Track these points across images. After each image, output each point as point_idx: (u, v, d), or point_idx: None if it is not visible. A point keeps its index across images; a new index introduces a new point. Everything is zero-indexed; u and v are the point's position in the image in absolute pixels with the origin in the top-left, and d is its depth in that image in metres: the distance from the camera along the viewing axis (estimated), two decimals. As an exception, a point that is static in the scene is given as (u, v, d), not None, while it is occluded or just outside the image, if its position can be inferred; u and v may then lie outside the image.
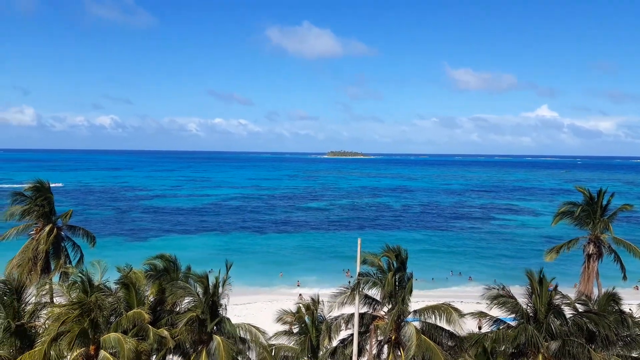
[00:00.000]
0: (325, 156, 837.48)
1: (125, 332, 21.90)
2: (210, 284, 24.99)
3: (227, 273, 25.29)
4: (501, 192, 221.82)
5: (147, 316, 22.18)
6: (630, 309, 36.65)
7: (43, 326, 23.23)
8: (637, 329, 25.15)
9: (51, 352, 21.13)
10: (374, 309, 27.34)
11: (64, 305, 22.57)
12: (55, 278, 34.07)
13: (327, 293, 29.98)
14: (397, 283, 25.59)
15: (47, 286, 26.00)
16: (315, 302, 29.67)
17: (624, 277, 37.02)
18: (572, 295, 26.38)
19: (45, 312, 23.77)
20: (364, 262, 26.84)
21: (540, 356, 22.45)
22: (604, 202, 38.24)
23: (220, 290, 25.05)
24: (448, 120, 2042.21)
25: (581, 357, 22.10)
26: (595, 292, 35.88)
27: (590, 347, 22.48)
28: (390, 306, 26.05)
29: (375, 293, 26.85)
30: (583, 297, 26.30)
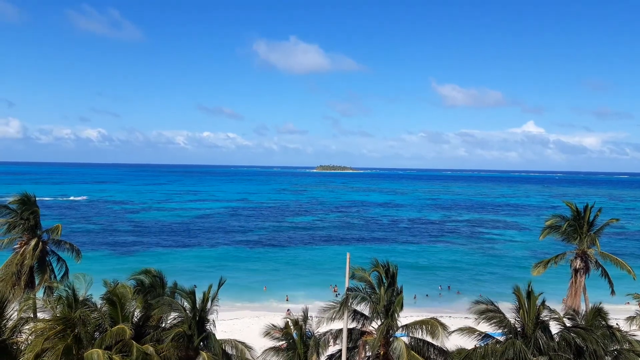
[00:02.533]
0: (314, 170, 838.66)
1: (109, 348, 21.52)
2: (198, 299, 24.74)
3: (218, 289, 25.08)
4: (488, 207, 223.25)
5: (129, 332, 21.80)
6: (617, 324, 36.84)
7: (25, 342, 22.76)
8: (625, 344, 25.24)
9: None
10: (363, 325, 27.18)
11: (48, 321, 22.16)
12: (40, 293, 33.51)
13: (315, 308, 29.80)
14: (387, 298, 25.51)
15: (31, 301, 25.52)
16: (304, 317, 29.44)
17: (612, 292, 37.22)
18: (560, 310, 26.47)
19: (28, 327, 23.31)
20: (352, 276, 26.74)
21: (528, 371, 22.40)
22: (591, 217, 38.57)
23: (208, 305, 24.80)
24: (435, 135, 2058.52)
25: (569, 372, 22.11)
26: (583, 306, 36.01)
27: (579, 362, 22.49)
28: (379, 321, 25.93)
29: (364, 308, 26.72)
30: (571, 312, 26.39)
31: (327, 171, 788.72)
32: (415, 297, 71.48)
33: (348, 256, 27.67)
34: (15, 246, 35.22)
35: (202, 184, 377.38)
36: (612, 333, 24.71)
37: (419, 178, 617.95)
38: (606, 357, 23.74)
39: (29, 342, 22.25)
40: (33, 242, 34.51)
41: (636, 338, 26.19)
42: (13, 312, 24.20)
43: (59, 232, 35.83)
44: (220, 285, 25.18)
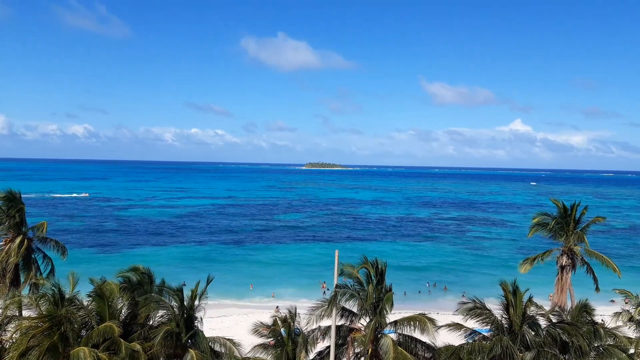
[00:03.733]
0: (303, 167, 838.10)
1: (96, 346, 21.36)
2: (186, 297, 24.61)
3: (206, 287, 24.96)
4: (476, 205, 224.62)
5: (117, 329, 21.66)
6: (602, 320, 37.26)
7: (10, 340, 22.52)
8: (609, 340, 25.56)
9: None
10: (351, 321, 27.22)
11: (33, 319, 21.94)
12: (25, 290, 33.16)
13: (303, 305, 29.78)
14: (375, 295, 25.57)
15: (16, 299, 25.24)
16: (292, 314, 29.42)
17: (597, 289, 37.59)
18: (547, 306, 26.71)
19: (13, 325, 23.06)
20: (341, 273, 26.76)
21: (515, 367, 22.59)
22: (577, 215, 38.89)
23: (196, 303, 24.69)
24: (424, 133, 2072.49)
25: (555, 367, 22.31)
26: (569, 303, 36.35)
27: (564, 358, 22.74)
28: (367, 318, 25.98)
29: (352, 305, 26.76)
30: (557, 308, 26.65)
31: (316, 168, 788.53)
32: (405, 294, 72.04)
33: (337, 253, 27.64)
34: (0, 243, 34.84)
35: (190, 181, 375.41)
36: (597, 329, 25.00)
37: (408, 176, 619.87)
38: (591, 353, 24.02)
39: (14, 340, 22.02)
40: (18, 240, 34.14)
41: (623, 334, 26.52)
42: (-2, 310, 23.94)
43: (44, 229, 35.47)
44: (208, 282, 25.07)
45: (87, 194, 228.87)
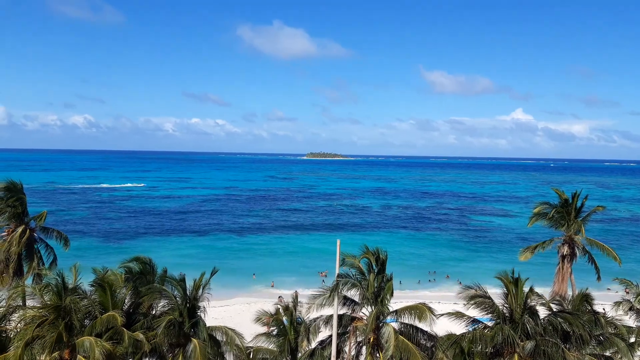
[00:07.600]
0: (304, 157, 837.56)
1: (99, 336, 21.50)
2: (189, 286, 24.74)
3: (210, 278, 25.07)
4: (477, 194, 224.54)
5: (120, 319, 21.79)
6: (603, 309, 37.38)
7: (14, 330, 22.66)
8: (610, 329, 25.67)
9: (24, 357, 20.62)
10: (353, 310, 27.36)
11: (38, 308, 22.06)
12: (28, 281, 33.31)
13: (305, 294, 29.94)
14: (376, 284, 25.67)
15: (20, 289, 25.35)
16: (294, 303, 29.56)
17: (598, 278, 37.63)
18: (548, 295, 26.78)
19: (17, 315, 23.19)
20: (343, 263, 26.84)
21: (516, 356, 22.73)
22: (578, 204, 38.84)
23: (199, 293, 24.82)
24: (425, 122, 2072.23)
25: (556, 356, 22.44)
26: (570, 292, 36.43)
27: (565, 347, 22.85)
28: (369, 307, 26.10)
29: (354, 294, 26.89)
30: (557, 298, 26.74)
31: (317, 158, 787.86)
32: (419, 282, 74.80)
33: (338, 243, 27.69)
34: (3, 234, 34.92)
35: (191, 171, 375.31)
36: (597, 318, 25.09)
37: (409, 165, 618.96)
38: (592, 342, 24.13)
39: (18, 330, 22.16)
40: (20, 229, 34.21)
41: (623, 323, 26.64)
42: (1, 300, 24.06)
43: (44, 218, 35.53)
44: (212, 274, 25.17)
45: (143, 184, 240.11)
